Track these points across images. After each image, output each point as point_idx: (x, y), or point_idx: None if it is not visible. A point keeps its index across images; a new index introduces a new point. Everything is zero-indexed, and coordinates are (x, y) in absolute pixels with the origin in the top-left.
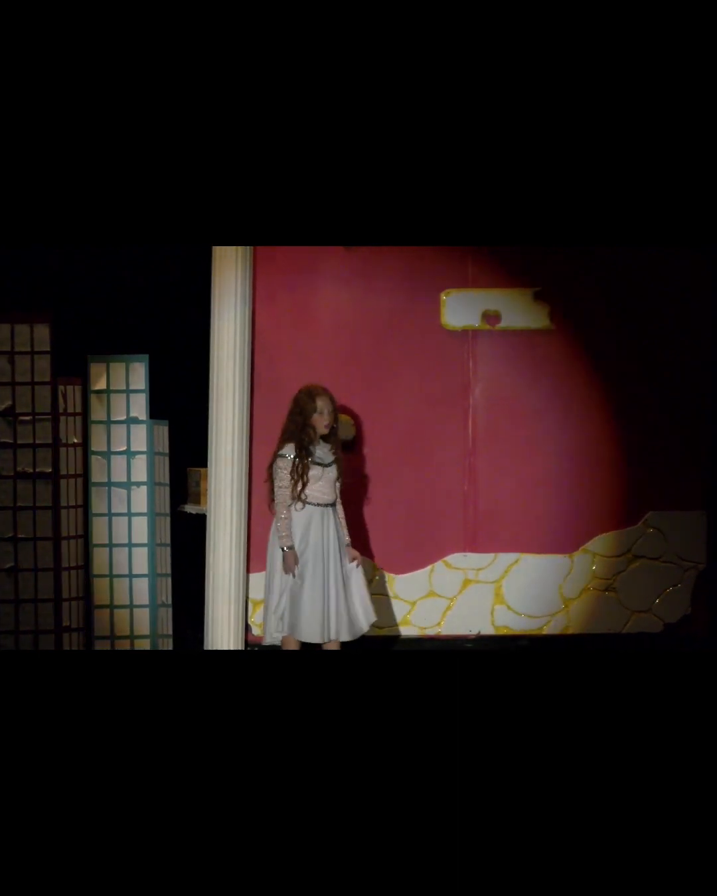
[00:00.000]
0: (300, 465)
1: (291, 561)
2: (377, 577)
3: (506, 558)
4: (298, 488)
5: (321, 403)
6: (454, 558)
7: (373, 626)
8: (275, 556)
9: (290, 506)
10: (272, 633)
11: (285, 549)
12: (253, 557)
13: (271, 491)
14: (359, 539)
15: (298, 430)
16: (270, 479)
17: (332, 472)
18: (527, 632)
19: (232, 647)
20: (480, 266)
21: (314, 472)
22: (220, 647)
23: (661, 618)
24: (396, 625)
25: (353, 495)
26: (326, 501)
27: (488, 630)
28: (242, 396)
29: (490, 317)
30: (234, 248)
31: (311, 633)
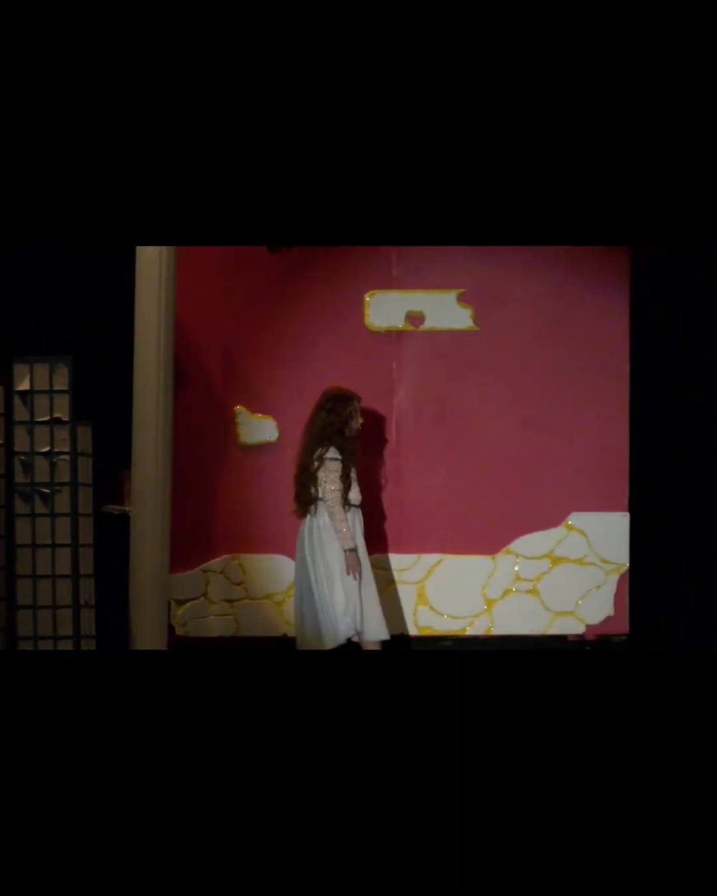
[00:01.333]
0: (345, 468)
1: (354, 562)
2: None
3: (429, 559)
4: (348, 488)
5: (355, 407)
6: (378, 559)
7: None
8: (335, 559)
9: (342, 508)
10: (340, 636)
11: (349, 550)
12: (175, 558)
13: (307, 493)
14: (282, 540)
15: (336, 433)
16: (314, 482)
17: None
18: (450, 633)
19: (155, 648)
20: (404, 267)
21: (352, 474)
22: (143, 648)
23: (583, 619)
24: None
25: (276, 496)
26: (360, 502)
27: (410, 631)
28: (166, 397)
29: (414, 318)
30: (156, 248)
31: (378, 630)
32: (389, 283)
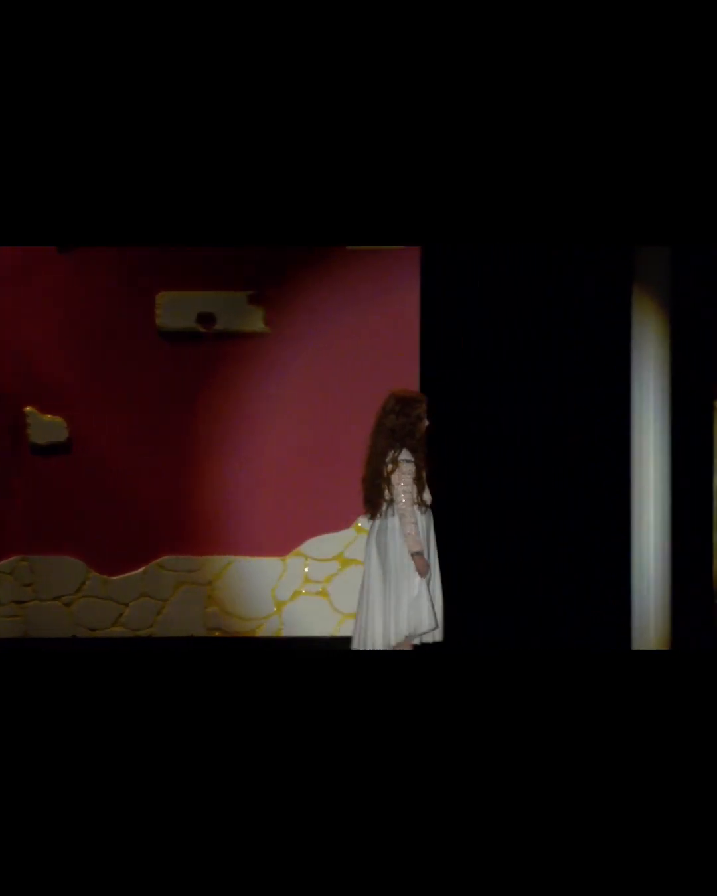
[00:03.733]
0: (418, 470)
1: (422, 565)
2: (89, 580)
3: (219, 560)
4: (421, 490)
5: (423, 408)
6: (167, 560)
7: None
8: (402, 560)
9: (414, 511)
10: (402, 636)
11: (416, 554)
12: None
13: (378, 495)
14: (70, 541)
15: (407, 436)
16: (388, 484)
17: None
18: (239, 634)
19: None
20: (195, 267)
21: (423, 475)
22: None
23: None
24: (108, 627)
25: (66, 497)
26: (431, 502)
27: (200, 632)
28: None
29: (205, 319)
30: None
31: (441, 632)
32: (180, 284)
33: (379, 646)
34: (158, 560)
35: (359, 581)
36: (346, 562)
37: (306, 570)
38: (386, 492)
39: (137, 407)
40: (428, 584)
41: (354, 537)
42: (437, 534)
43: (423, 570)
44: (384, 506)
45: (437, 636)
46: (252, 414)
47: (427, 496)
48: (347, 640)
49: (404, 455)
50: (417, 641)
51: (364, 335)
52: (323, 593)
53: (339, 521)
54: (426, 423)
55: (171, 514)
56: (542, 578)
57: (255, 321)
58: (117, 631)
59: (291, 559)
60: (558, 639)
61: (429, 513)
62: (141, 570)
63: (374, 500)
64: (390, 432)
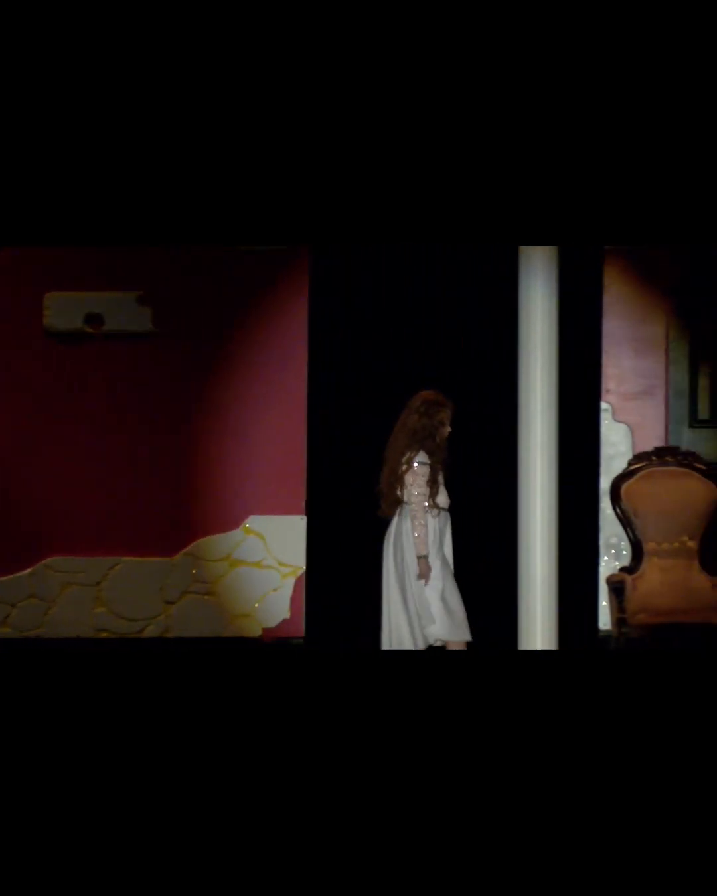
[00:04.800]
0: (433, 472)
1: (425, 568)
2: None
3: (106, 561)
4: (435, 493)
5: (447, 413)
6: (54, 561)
7: None
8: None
9: (426, 513)
10: (419, 638)
11: (421, 556)
12: None
13: (393, 494)
14: None
15: (426, 437)
16: (401, 484)
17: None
18: (127, 635)
19: None
20: (83, 267)
21: (440, 478)
22: None
23: (261, 622)
24: None
25: None
26: (448, 505)
27: (88, 633)
28: None
29: (93, 319)
30: None
31: (462, 632)
32: (68, 284)
33: (408, 646)
34: (46, 561)
35: (243, 582)
36: (234, 563)
37: (195, 571)
38: (399, 491)
39: (25, 407)
40: (442, 587)
41: (242, 539)
42: (335, 532)
43: (425, 574)
44: (400, 506)
45: (465, 636)
46: (140, 414)
47: (443, 499)
48: (236, 641)
49: (421, 456)
50: (433, 643)
51: (253, 335)
52: (212, 594)
53: (228, 523)
54: (448, 428)
55: (58, 514)
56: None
57: (143, 322)
58: (5, 631)
59: (179, 560)
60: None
61: (445, 516)
62: (28, 571)
63: (389, 499)
64: (411, 432)
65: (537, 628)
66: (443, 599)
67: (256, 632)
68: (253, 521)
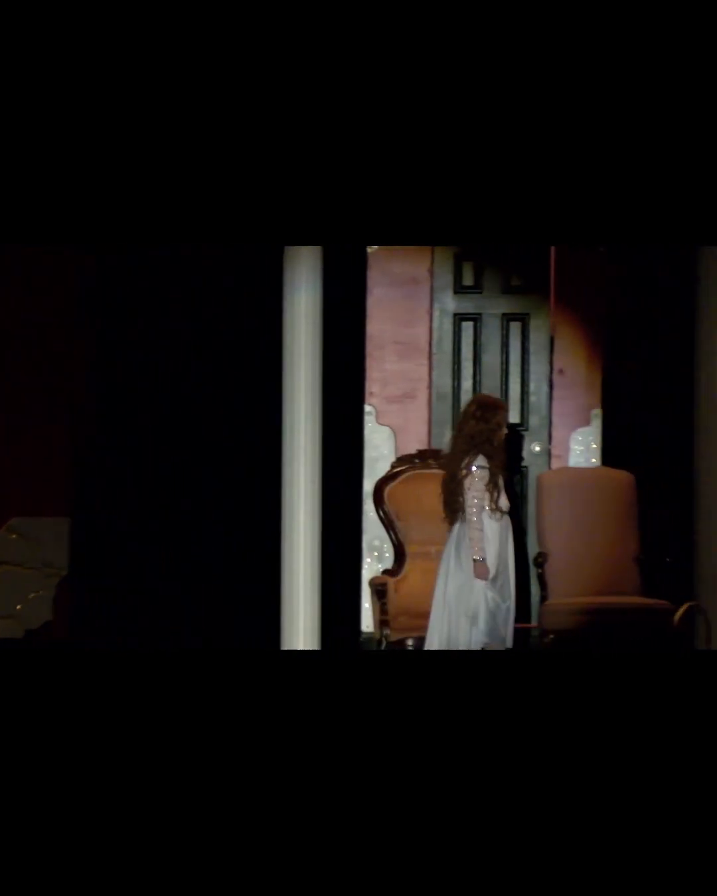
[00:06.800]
0: (493, 476)
1: (482, 571)
2: None
3: None
4: (495, 497)
5: (503, 415)
6: None
7: None
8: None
9: (483, 517)
10: (473, 642)
11: (478, 560)
12: None
13: (455, 500)
14: None
15: (485, 442)
16: (460, 489)
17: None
18: None
19: None
20: None
21: (500, 481)
22: None
23: (23, 623)
24: None
25: None
26: (508, 508)
27: None
28: None
29: None
30: None
31: (508, 638)
32: None
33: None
34: None
35: (6, 583)
36: None
37: None
38: (460, 498)
39: None
40: (499, 591)
41: (5, 539)
42: (99, 533)
43: (483, 576)
44: (461, 512)
45: (508, 642)
46: None
47: (504, 502)
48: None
49: (480, 461)
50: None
51: (24, 339)
52: None
53: None
54: (505, 430)
55: None
56: (196, 580)
57: None
58: None
59: None
60: (211, 639)
61: (506, 519)
62: None
63: (451, 505)
64: (468, 438)
65: (300, 629)
66: (492, 605)
67: (18, 633)
68: (17, 523)
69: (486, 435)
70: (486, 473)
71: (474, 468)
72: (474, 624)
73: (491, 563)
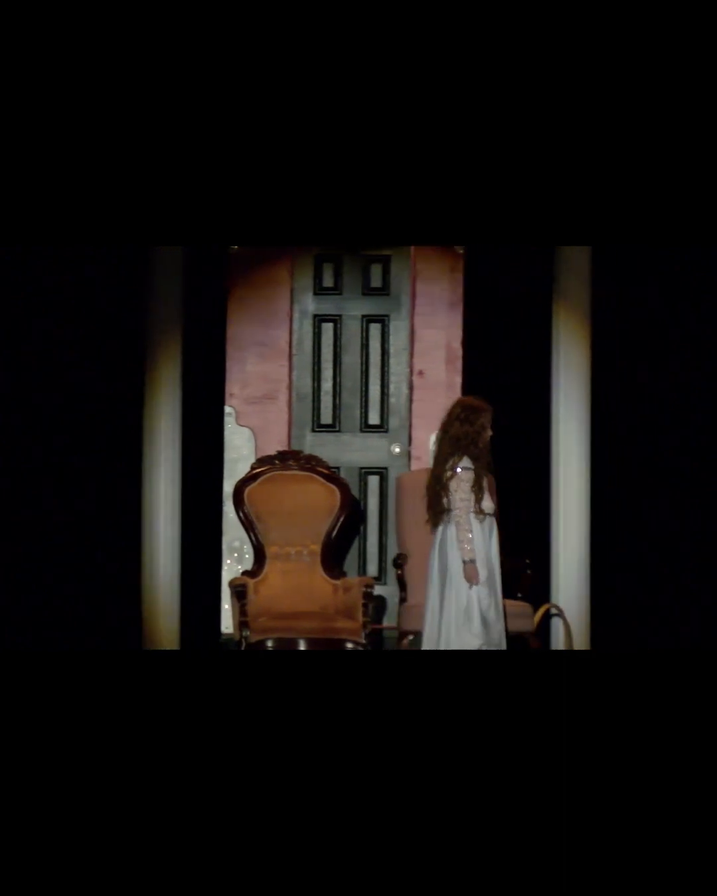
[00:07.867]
0: (478, 478)
1: (473, 573)
2: None
3: None
4: (479, 498)
5: (488, 417)
6: None
7: None
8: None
9: (470, 518)
10: (465, 644)
11: (468, 562)
12: None
13: (439, 503)
14: None
15: (470, 444)
16: (446, 491)
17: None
18: None
19: None
20: None
21: (484, 483)
22: None
23: None
24: None
25: None
26: (494, 511)
27: None
28: None
29: None
30: None
31: (499, 641)
32: None
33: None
34: None
35: None
36: None
37: None
38: (445, 499)
39: None
40: (491, 593)
41: None
42: None
43: (473, 578)
44: (446, 514)
45: (502, 644)
46: None
47: (488, 504)
48: None
49: (465, 463)
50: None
51: None
52: None
53: None
54: (490, 432)
55: None
56: (56, 581)
57: None
58: None
59: None
60: (72, 641)
61: (490, 521)
62: None
63: (435, 507)
64: (453, 440)
65: (161, 630)
66: (483, 606)
67: None
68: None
69: (471, 437)
70: (471, 475)
71: (459, 470)
72: (471, 626)
73: (481, 564)
